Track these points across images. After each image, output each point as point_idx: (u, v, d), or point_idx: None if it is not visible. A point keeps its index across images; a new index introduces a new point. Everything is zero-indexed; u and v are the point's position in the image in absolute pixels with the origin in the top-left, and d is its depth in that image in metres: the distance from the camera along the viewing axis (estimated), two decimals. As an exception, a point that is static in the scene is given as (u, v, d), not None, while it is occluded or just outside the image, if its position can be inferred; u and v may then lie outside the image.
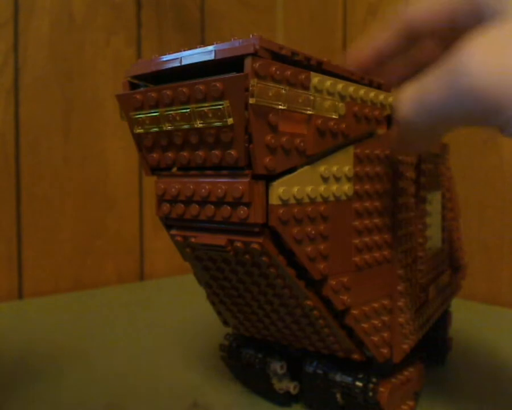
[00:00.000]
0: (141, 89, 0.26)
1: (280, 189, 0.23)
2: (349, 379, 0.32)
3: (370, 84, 0.30)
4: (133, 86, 0.27)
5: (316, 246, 0.25)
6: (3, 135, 0.69)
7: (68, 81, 0.74)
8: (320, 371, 0.33)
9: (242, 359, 0.37)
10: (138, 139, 0.27)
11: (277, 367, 0.35)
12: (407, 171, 0.33)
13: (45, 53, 0.72)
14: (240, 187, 0.22)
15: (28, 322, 0.58)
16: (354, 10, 0.86)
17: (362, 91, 0.28)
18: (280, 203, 0.23)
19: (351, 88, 0.27)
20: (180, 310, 0.62)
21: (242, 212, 0.23)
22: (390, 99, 0.31)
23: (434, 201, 0.43)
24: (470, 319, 0.49)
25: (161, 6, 0.84)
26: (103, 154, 0.78)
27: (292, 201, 0.24)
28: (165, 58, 0.25)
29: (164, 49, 0.78)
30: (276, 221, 0.23)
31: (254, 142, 0.21)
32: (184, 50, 0.24)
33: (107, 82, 0.78)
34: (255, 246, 0.23)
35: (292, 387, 0.35)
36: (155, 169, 0.28)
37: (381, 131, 0.31)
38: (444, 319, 0.44)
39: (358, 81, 0.28)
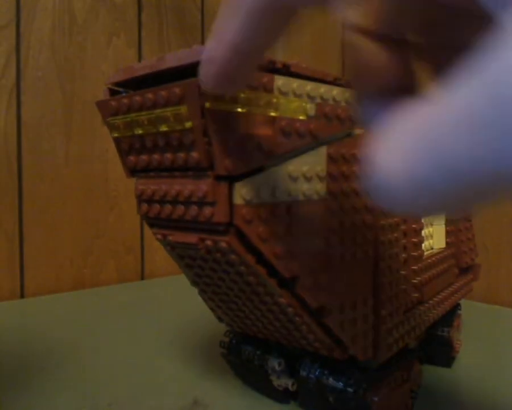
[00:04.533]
0: (117, 95, 0.27)
1: (243, 189, 0.23)
2: (340, 384, 0.32)
3: (348, 85, 0.30)
4: (114, 93, 0.28)
5: (284, 245, 0.26)
6: (5, 135, 0.70)
7: (69, 81, 0.75)
8: (312, 375, 0.34)
9: (242, 355, 0.37)
10: (116, 143, 0.28)
11: (275, 363, 0.35)
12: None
13: (46, 54, 0.73)
14: (203, 188, 0.23)
15: (29, 321, 0.59)
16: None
17: (335, 91, 0.28)
18: (243, 202, 0.23)
19: (322, 89, 0.27)
20: (180, 308, 0.62)
21: (207, 211, 0.23)
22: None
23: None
24: (468, 318, 0.49)
25: (162, 8, 0.84)
26: (104, 154, 0.79)
27: (257, 200, 0.24)
28: (135, 66, 0.26)
29: (164, 50, 0.79)
30: (240, 220, 0.23)
31: (212, 144, 0.22)
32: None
33: (108, 83, 0.78)
34: (223, 244, 0.24)
35: (290, 384, 0.35)
36: (134, 171, 0.29)
37: (359, 130, 0.31)
38: (448, 320, 0.44)
39: (332, 82, 0.29)
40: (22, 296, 0.71)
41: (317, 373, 0.33)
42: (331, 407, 0.33)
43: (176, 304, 0.65)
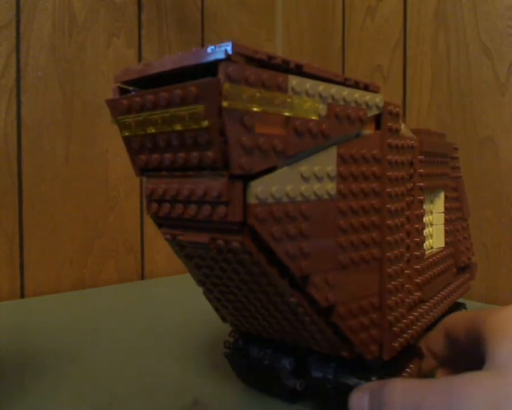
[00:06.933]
0: (128, 94, 0.27)
1: (257, 189, 0.23)
2: (349, 381, 0.32)
3: (356, 85, 0.30)
4: (123, 91, 0.28)
5: (296, 244, 0.26)
6: (5, 136, 0.69)
7: (70, 81, 0.75)
8: (319, 373, 0.34)
9: (249, 355, 0.37)
10: (126, 141, 0.28)
11: (286, 363, 0.35)
12: (397, 171, 0.34)
13: (46, 54, 0.73)
14: (217, 187, 0.23)
15: (29, 321, 0.59)
16: (353, 11, 0.86)
17: (345, 92, 0.28)
18: (257, 201, 0.23)
19: (333, 89, 0.27)
20: (180, 308, 0.62)
21: (220, 210, 0.23)
22: (377, 99, 0.31)
23: (436, 201, 0.43)
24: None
25: (162, 7, 0.84)
26: (104, 154, 0.78)
27: (271, 200, 0.24)
28: (146, 65, 0.26)
29: (164, 50, 0.79)
30: (254, 219, 0.23)
31: (229, 143, 0.22)
32: (176, 54, 0.25)
33: (108, 83, 0.78)
34: (235, 244, 0.24)
35: (298, 384, 0.35)
36: (144, 170, 0.29)
37: (367, 131, 0.31)
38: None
39: (342, 83, 0.29)
40: (22, 296, 0.71)
41: (324, 370, 0.34)
42: (338, 405, 0.33)
43: (176, 304, 0.65)
